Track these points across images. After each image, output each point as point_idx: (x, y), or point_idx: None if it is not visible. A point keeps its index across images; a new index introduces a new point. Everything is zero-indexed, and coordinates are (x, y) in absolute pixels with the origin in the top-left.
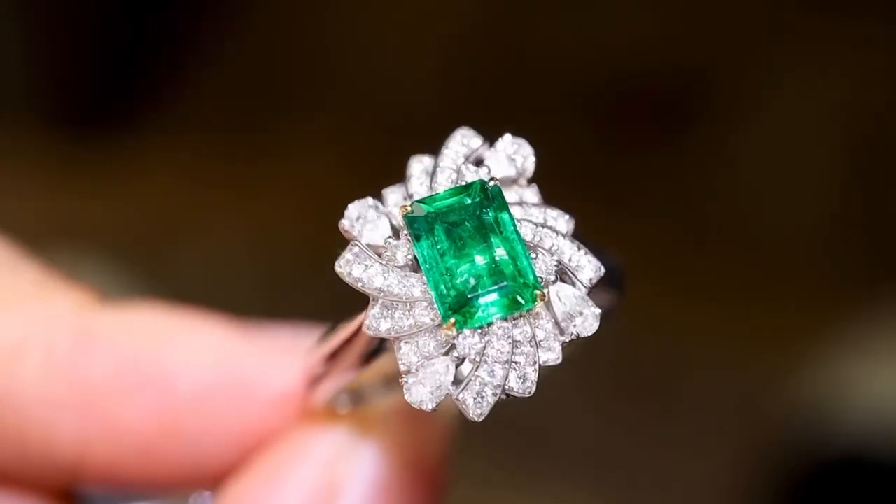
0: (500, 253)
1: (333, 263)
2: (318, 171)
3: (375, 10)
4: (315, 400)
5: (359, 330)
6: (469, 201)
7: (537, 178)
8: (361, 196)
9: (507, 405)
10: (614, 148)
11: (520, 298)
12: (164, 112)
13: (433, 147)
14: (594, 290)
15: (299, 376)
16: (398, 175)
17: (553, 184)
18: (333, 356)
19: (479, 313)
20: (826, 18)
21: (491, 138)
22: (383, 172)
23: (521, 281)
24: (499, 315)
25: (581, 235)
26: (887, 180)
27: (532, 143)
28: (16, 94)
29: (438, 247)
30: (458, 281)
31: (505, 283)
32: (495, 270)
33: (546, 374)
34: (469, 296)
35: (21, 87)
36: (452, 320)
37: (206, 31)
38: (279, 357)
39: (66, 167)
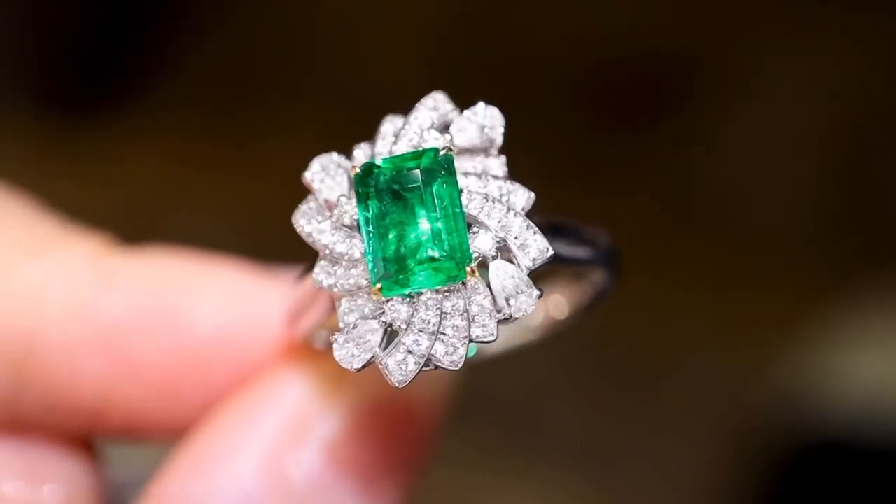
0: (439, 224)
1: None
2: (303, 152)
3: None
4: (296, 334)
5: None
6: (419, 167)
7: (523, 160)
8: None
9: (493, 390)
10: (599, 132)
11: (450, 271)
12: (148, 94)
13: None
14: (588, 268)
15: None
16: None
17: (538, 167)
18: (310, 294)
19: (409, 282)
20: (815, 8)
21: (464, 106)
22: None
23: (454, 254)
24: (428, 286)
25: (545, 214)
26: (874, 168)
27: (512, 122)
28: (1, 77)
29: (381, 210)
30: (392, 247)
31: (437, 255)
32: (431, 241)
33: (529, 357)
34: (400, 264)
35: (6, 70)
36: (379, 286)
37: (191, 14)
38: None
39: (50, 149)
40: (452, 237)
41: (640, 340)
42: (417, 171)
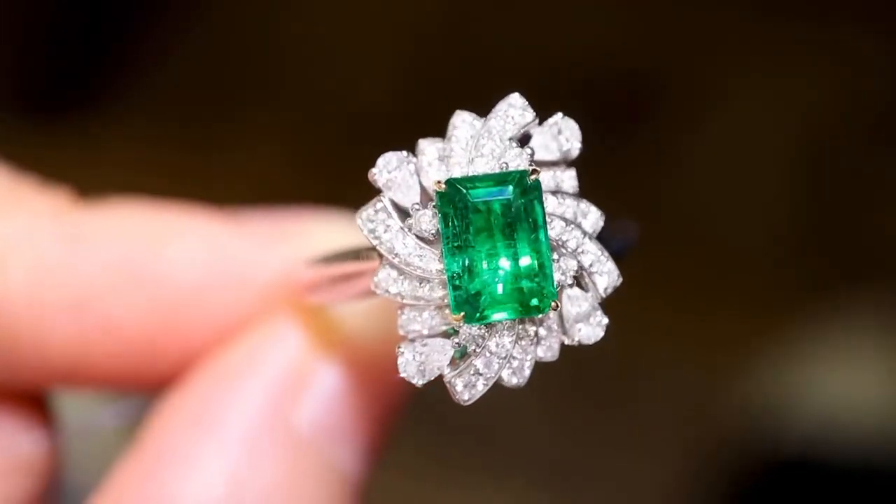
0: (525, 254)
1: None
2: (272, 164)
3: (333, 4)
4: (306, 300)
5: (366, 273)
6: (505, 192)
7: None
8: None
9: (458, 404)
10: None
11: (534, 305)
12: (117, 102)
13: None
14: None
15: (288, 261)
16: (353, 169)
17: None
18: (336, 280)
19: (490, 311)
20: (783, 25)
21: (541, 115)
22: (337, 166)
23: (540, 287)
24: (509, 316)
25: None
26: (840, 184)
27: None
28: None
29: (465, 233)
30: (476, 274)
31: (522, 287)
32: (516, 273)
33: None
34: (481, 290)
35: None
36: (462, 314)
37: (163, 22)
38: (269, 244)
39: (18, 155)
40: (537, 268)
41: (605, 356)
42: (505, 196)
